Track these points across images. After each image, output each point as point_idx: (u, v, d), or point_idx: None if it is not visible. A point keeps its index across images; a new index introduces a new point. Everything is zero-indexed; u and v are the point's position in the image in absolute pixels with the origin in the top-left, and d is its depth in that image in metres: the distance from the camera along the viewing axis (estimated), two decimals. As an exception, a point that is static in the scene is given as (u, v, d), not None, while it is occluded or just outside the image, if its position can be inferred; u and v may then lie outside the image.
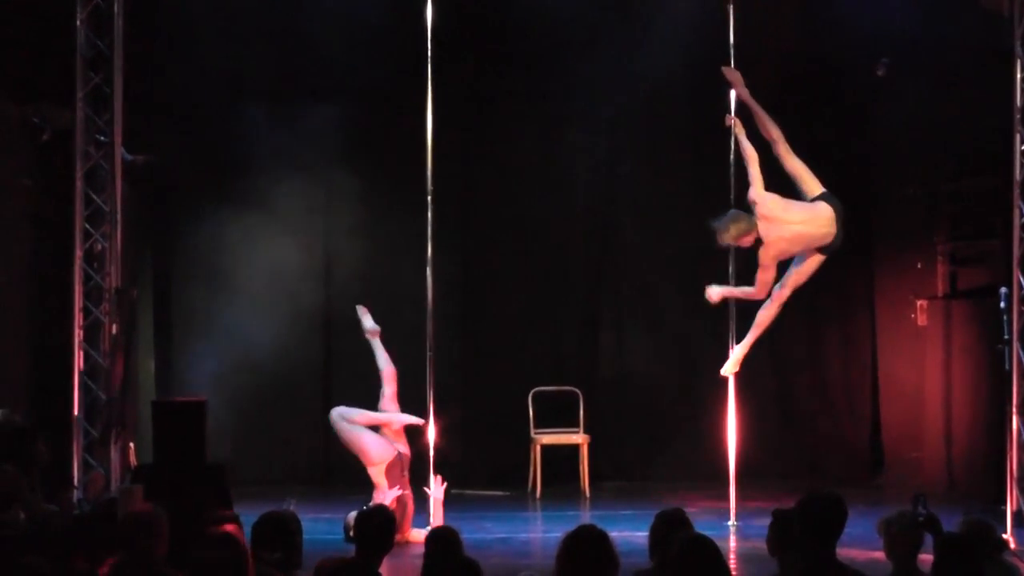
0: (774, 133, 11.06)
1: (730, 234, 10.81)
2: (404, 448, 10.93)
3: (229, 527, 6.08)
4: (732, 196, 11.35)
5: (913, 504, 6.26)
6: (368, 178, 13.47)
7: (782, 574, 6.06)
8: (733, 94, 11.33)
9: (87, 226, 11.42)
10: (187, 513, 6.74)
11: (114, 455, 11.15)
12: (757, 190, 10.87)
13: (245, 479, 11.77)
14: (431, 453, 11.12)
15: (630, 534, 9.45)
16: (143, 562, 5.88)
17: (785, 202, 10.92)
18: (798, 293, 13.82)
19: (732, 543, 10.52)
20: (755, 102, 11.11)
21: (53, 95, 11.64)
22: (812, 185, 11.07)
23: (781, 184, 10.98)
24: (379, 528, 6.17)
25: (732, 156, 11.33)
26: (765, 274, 10.87)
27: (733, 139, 11.25)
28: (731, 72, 11.21)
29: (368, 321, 11.28)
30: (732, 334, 11.36)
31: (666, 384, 13.70)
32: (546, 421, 13.26)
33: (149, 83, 12.58)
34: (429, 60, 11.20)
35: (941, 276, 13.17)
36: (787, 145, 11.00)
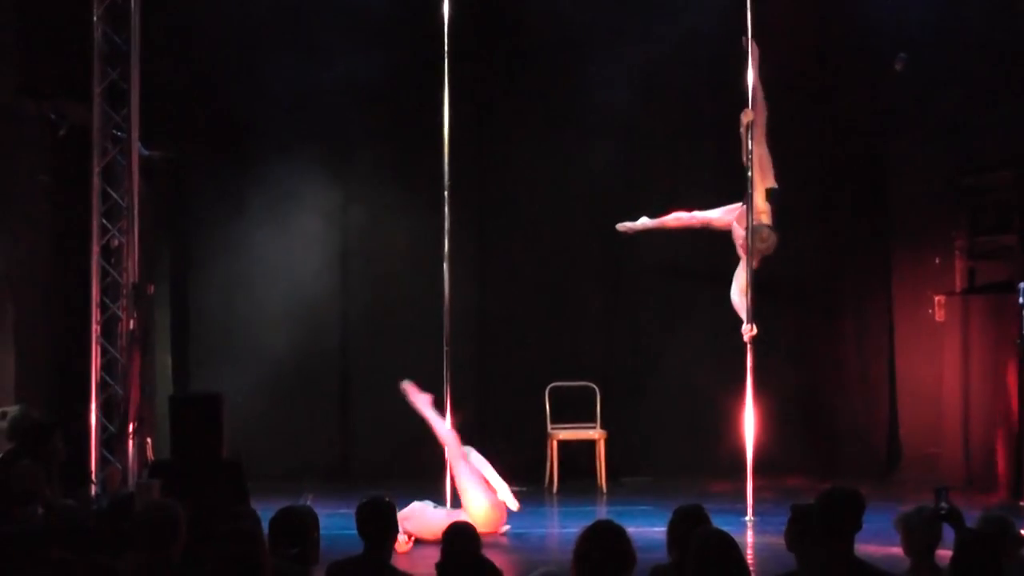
0: (760, 117, 11.26)
1: (771, 246, 11.20)
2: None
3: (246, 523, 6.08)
4: (750, 189, 11.34)
5: (936, 498, 6.25)
6: (385, 175, 13.49)
7: (800, 569, 6.05)
8: (751, 88, 11.34)
9: (104, 222, 11.43)
10: (204, 508, 6.74)
11: (131, 450, 11.17)
12: (764, 200, 11.21)
13: (262, 474, 11.78)
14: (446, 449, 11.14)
15: (647, 530, 9.42)
16: (161, 557, 5.89)
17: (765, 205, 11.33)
18: (816, 287, 13.89)
19: (750, 538, 10.51)
20: (759, 88, 11.46)
21: (70, 91, 11.66)
22: (770, 177, 11.37)
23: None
24: (381, 519, 6.15)
25: (749, 147, 11.33)
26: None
27: (748, 132, 11.28)
28: (753, 46, 11.48)
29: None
30: (748, 328, 11.35)
31: (683, 379, 13.68)
32: (563, 416, 13.26)
33: (166, 79, 12.60)
34: (446, 57, 11.19)
35: (959, 271, 13.14)
36: (761, 135, 11.38)
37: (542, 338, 13.64)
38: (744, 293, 11.41)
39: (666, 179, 13.59)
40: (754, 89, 11.38)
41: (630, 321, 13.98)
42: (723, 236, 11.88)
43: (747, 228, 11.32)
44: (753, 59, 11.42)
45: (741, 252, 11.49)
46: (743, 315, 11.41)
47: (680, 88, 13.39)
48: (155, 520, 5.97)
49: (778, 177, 12.87)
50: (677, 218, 12.01)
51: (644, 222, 12.08)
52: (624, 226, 12.16)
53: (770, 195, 11.53)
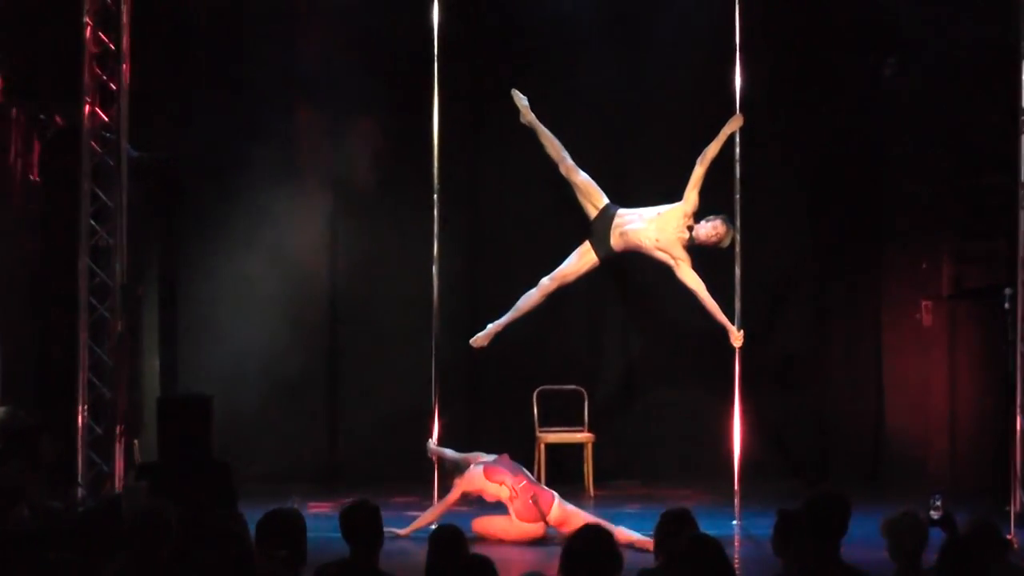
0: (556, 155, 11.55)
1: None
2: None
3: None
4: (737, 196, 11.35)
5: (929, 503, 6.27)
6: (374, 177, 13.47)
7: (786, 574, 6.06)
8: (738, 92, 11.36)
9: (93, 223, 11.43)
10: (192, 510, 6.74)
11: (119, 452, 11.17)
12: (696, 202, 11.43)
13: (250, 477, 11.78)
14: (434, 447, 11.14)
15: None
16: (150, 560, 5.88)
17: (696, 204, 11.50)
18: (804, 291, 13.89)
19: (736, 542, 10.51)
20: (541, 125, 11.55)
21: (59, 92, 11.65)
22: (599, 198, 11.54)
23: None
24: (366, 522, 6.15)
25: (737, 152, 11.34)
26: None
27: (736, 134, 11.29)
28: (518, 97, 11.59)
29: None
30: (738, 334, 11.35)
31: (671, 382, 13.68)
32: (551, 420, 13.25)
33: (155, 80, 12.59)
34: (435, 59, 11.19)
35: (946, 276, 13.15)
36: (571, 163, 11.56)
37: (530, 341, 13.62)
38: (706, 291, 11.33)
39: (660, 183, 13.57)
40: (540, 132, 11.55)
41: (619, 324, 13.98)
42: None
43: (730, 232, 11.31)
44: (523, 109, 11.54)
45: (682, 254, 11.36)
46: (719, 316, 11.33)
47: (676, 90, 13.37)
48: (147, 522, 5.96)
49: (771, 179, 12.95)
50: (517, 309, 11.70)
51: (489, 330, 11.73)
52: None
53: (607, 211, 11.53)
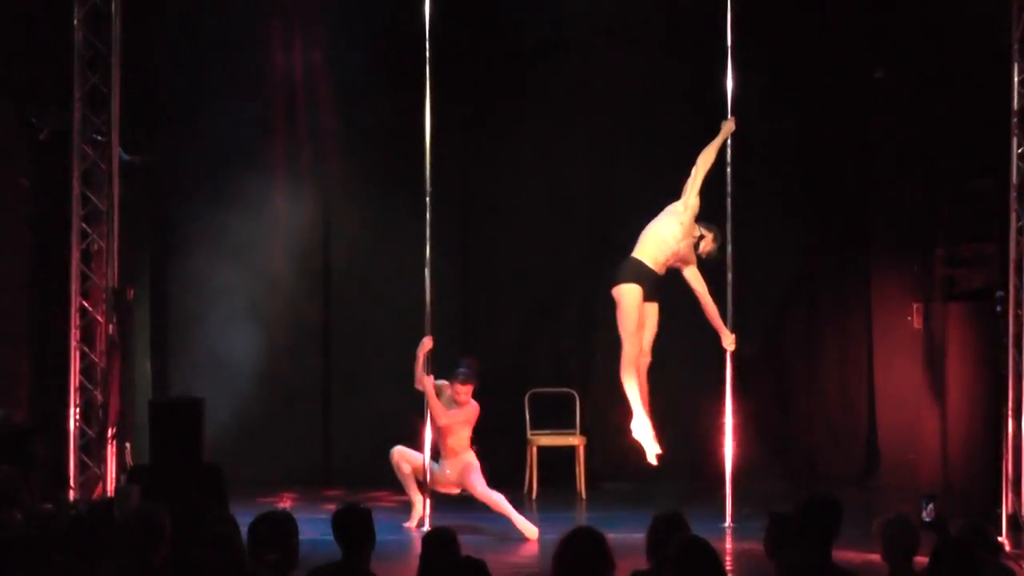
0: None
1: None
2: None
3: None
4: (729, 199, 11.36)
5: (922, 505, 6.28)
6: (366, 179, 13.48)
7: (778, 576, 6.07)
8: (730, 95, 11.37)
9: (84, 226, 11.43)
10: (183, 513, 6.74)
11: (111, 455, 11.16)
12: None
13: (242, 480, 11.76)
14: (426, 455, 11.15)
15: (627, 535, 9.46)
16: (142, 563, 5.88)
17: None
18: (796, 294, 13.90)
19: (728, 545, 10.52)
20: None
21: (50, 95, 11.65)
22: (638, 295, 11.27)
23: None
24: (358, 526, 6.16)
25: (729, 156, 11.34)
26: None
27: (728, 139, 11.29)
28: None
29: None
30: (731, 339, 11.36)
31: (663, 386, 13.67)
32: (543, 422, 13.26)
33: (147, 83, 12.58)
34: (427, 60, 11.18)
35: (938, 279, 13.16)
36: (632, 354, 11.43)
37: (522, 344, 13.64)
38: (708, 293, 11.30)
39: (652, 184, 13.59)
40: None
41: (611, 327, 13.95)
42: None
43: (719, 239, 11.32)
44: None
45: (693, 257, 11.31)
46: (716, 319, 11.31)
47: (668, 90, 13.37)
48: (139, 525, 5.96)
49: (764, 183, 12.95)
50: (636, 402, 11.50)
51: None
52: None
53: (638, 271, 11.34)
